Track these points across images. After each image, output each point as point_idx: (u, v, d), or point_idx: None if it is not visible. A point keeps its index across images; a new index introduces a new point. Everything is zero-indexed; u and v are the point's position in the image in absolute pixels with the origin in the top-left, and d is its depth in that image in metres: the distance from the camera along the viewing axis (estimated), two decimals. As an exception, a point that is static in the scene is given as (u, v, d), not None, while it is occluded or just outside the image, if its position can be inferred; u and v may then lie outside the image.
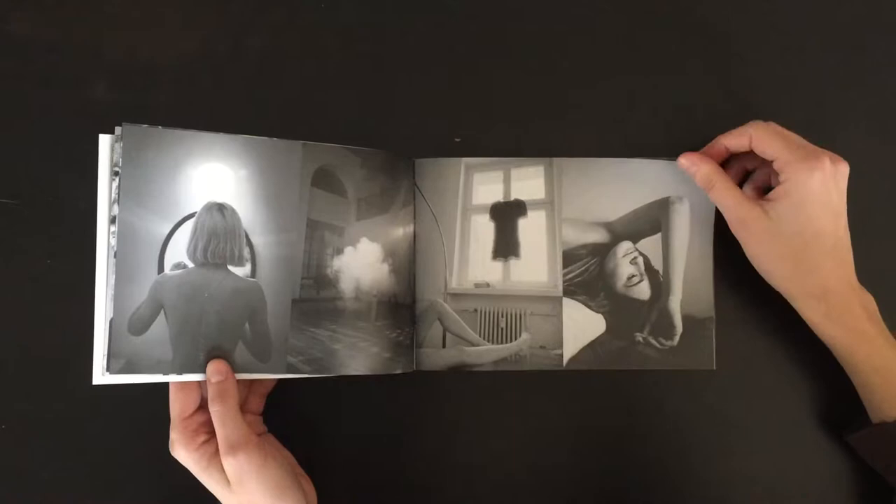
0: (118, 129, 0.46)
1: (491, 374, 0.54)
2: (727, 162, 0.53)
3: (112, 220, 0.46)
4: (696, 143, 0.53)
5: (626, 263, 0.55)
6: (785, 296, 0.50)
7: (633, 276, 0.55)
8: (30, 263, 0.53)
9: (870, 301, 0.50)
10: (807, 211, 0.48)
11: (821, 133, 0.51)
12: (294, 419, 0.52)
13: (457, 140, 0.55)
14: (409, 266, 0.53)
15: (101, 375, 0.45)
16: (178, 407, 0.46)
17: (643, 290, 0.55)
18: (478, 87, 0.56)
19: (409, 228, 0.53)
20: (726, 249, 0.53)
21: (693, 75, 0.56)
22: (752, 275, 0.51)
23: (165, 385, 0.46)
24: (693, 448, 0.54)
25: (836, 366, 0.51)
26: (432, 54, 0.56)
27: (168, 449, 0.46)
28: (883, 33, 0.57)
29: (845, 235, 0.49)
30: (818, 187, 0.47)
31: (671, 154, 0.54)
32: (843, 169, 0.49)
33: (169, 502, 0.52)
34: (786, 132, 0.50)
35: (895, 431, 0.48)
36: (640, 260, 0.55)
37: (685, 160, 0.52)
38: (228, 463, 0.44)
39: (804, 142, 0.49)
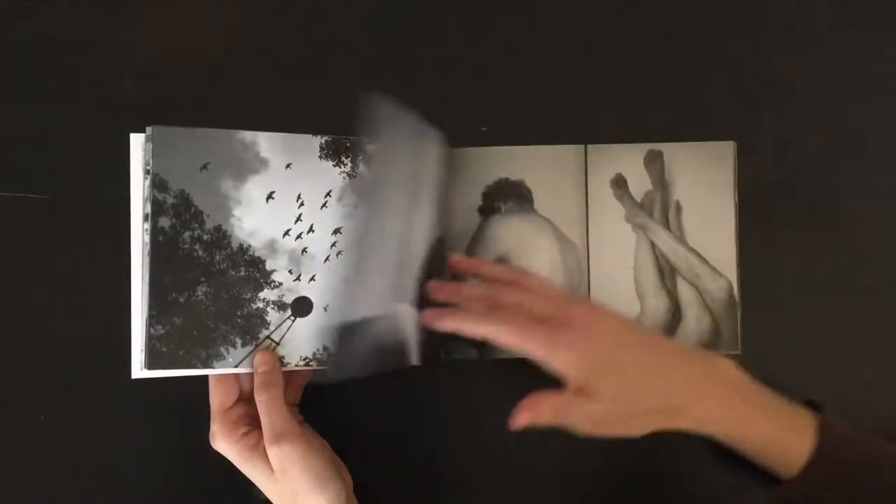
0: (148, 130, 0.46)
1: (516, 362, 0.54)
2: None
3: (145, 218, 0.46)
4: (724, 133, 0.54)
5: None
6: None
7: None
8: (63, 257, 0.54)
9: (734, 383, 0.45)
10: (582, 383, 0.43)
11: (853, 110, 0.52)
12: (326, 407, 0.53)
13: (483, 129, 0.55)
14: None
15: (139, 370, 0.46)
16: (218, 399, 0.47)
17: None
18: (505, 77, 0.56)
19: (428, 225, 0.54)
20: (750, 231, 0.53)
21: (729, 59, 0.56)
22: (776, 257, 0.51)
23: (204, 378, 0.47)
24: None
25: (861, 350, 0.51)
26: (459, 43, 0.56)
27: (208, 441, 0.47)
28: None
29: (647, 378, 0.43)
30: (560, 367, 0.44)
31: (701, 138, 0.54)
32: (571, 331, 0.43)
33: (207, 494, 0.54)
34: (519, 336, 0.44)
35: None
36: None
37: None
38: (273, 452, 0.45)
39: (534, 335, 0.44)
